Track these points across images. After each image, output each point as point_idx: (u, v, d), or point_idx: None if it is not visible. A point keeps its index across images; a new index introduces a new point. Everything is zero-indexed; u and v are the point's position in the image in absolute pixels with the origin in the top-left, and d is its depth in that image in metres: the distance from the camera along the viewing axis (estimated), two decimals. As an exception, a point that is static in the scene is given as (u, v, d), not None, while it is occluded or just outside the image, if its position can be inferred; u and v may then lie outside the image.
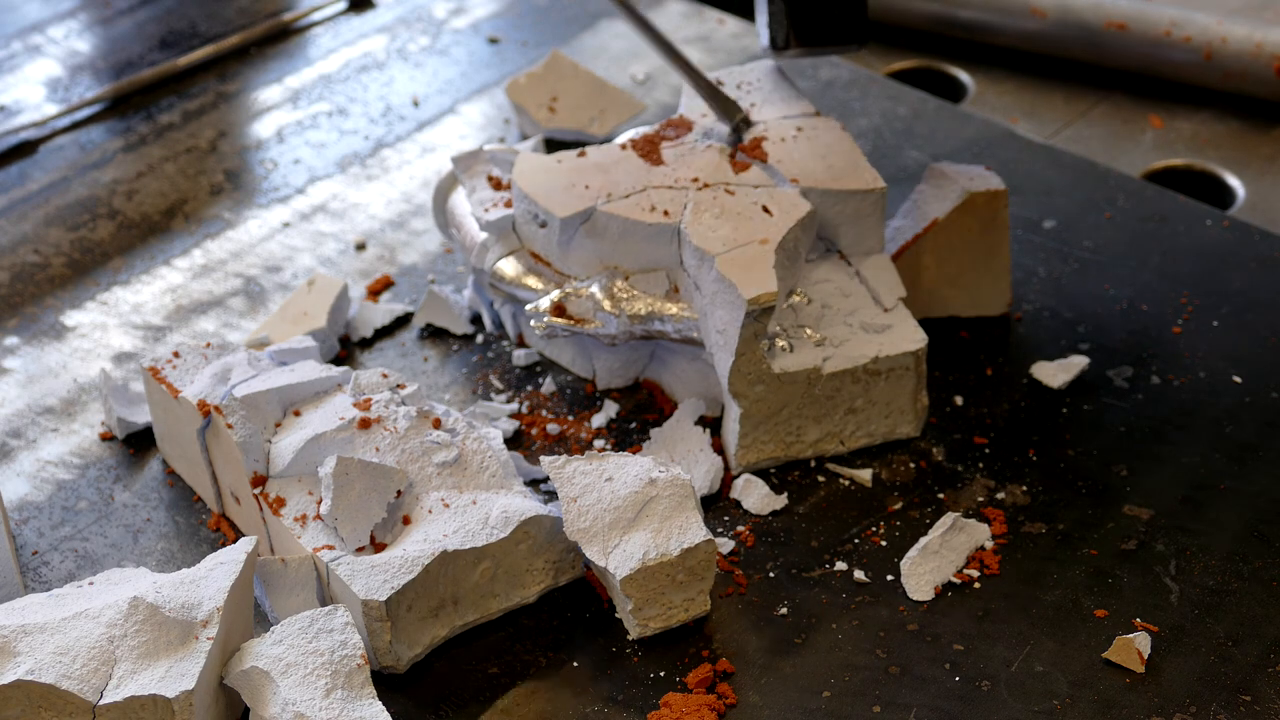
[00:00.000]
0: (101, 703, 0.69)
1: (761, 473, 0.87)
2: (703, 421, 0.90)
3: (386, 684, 0.76)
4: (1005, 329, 0.96)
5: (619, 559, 0.76)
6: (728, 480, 0.87)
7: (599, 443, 0.89)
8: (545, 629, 0.79)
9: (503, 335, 0.96)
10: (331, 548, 0.77)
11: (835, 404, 0.86)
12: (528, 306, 0.88)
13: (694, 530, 0.77)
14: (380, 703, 0.71)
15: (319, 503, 0.79)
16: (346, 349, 0.96)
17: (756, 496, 0.85)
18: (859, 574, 0.82)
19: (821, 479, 0.87)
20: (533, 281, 0.89)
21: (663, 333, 0.87)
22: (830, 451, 0.88)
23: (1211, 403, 0.91)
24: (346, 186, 1.10)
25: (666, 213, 0.86)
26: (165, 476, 0.88)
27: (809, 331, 0.86)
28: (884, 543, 0.84)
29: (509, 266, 0.90)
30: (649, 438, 0.89)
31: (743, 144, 0.90)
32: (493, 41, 1.24)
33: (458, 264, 1.02)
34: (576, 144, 1.06)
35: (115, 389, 0.90)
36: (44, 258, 1.03)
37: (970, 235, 0.94)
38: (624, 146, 0.91)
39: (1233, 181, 1.11)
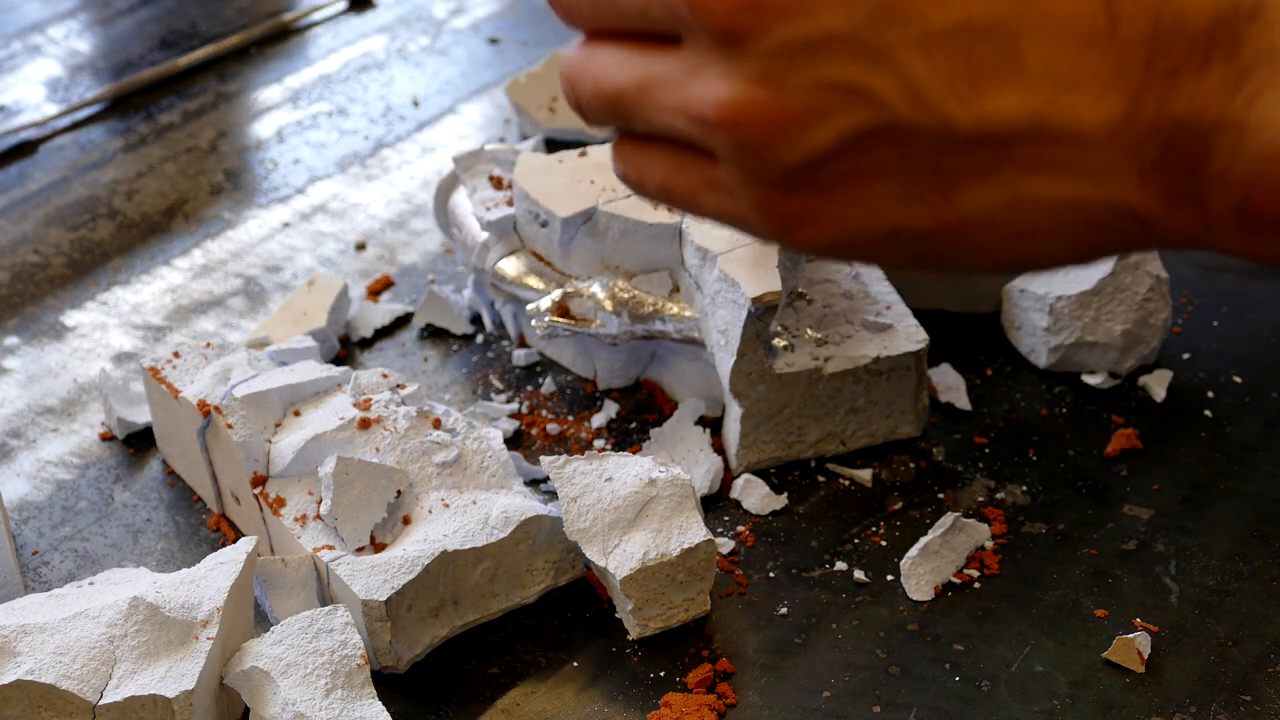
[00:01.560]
0: (101, 703, 0.69)
1: (761, 473, 0.87)
2: (703, 421, 0.90)
3: (386, 684, 0.76)
4: (1004, 328, 0.96)
5: (619, 559, 0.76)
6: (728, 480, 0.87)
7: (599, 443, 0.89)
8: (545, 629, 0.80)
9: (503, 335, 0.96)
10: (331, 548, 0.77)
11: (836, 404, 0.86)
12: (529, 306, 0.88)
13: (694, 530, 0.77)
14: (380, 703, 0.71)
15: (319, 503, 0.79)
16: (346, 349, 0.96)
17: (756, 496, 0.85)
18: (859, 574, 0.82)
19: (821, 479, 0.87)
20: (534, 281, 0.89)
21: (664, 333, 0.87)
22: (831, 451, 0.88)
23: (1211, 403, 0.91)
24: (346, 186, 1.10)
25: (670, 209, 0.86)
26: (165, 476, 0.88)
27: (810, 331, 0.86)
28: (884, 543, 0.84)
29: (510, 266, 0.90)
30: (649, 438, 0.89)
31: None
32: (493, 41, 1.25)
33: (458, 264, 1.02)
34: (577, 144, 1.06)
35: (115, 389, 0.90)
36: (44, 258, 1.03)
37: None
38: (624, 146, 0.91)
39: None
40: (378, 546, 0.77)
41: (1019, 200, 0.55)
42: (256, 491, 0.80)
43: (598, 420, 0.90)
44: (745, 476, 0.86)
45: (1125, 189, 0.55)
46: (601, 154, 0.90)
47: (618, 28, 0.57)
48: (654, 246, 0.86)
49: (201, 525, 0.86)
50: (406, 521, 0.78)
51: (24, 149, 1.13)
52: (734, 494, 0.86)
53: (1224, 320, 0.97)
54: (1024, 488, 0.86)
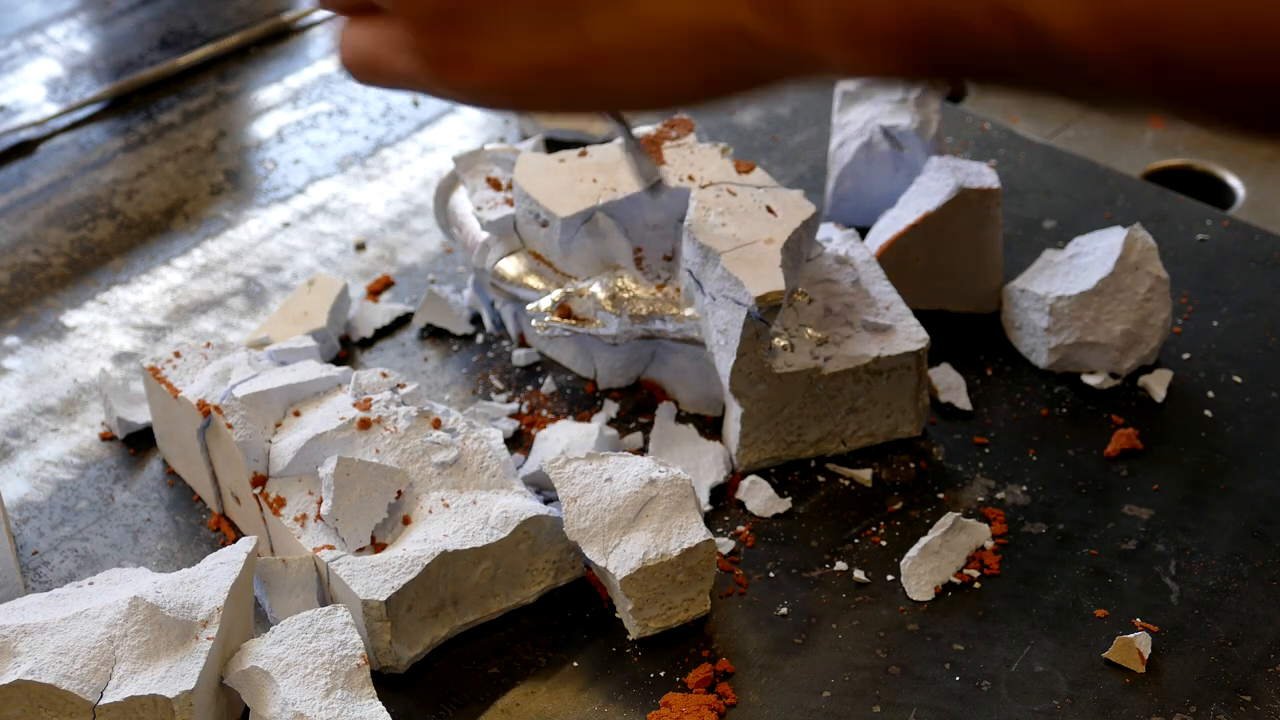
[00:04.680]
0: (101, 703, 0.69)
1: (762, 473, 0.87)
2: (700, 420, 0.90)
3: (386, 684, 0.76)
4: (1004, 328, 0.96)
5: (619, 559, 0.76)
6: (734, 481, 0.87)
7: (599, 443, 0.89)
8: (545, 629, 0.79)
9: (503, 335, 0.96)
10: (331, 548, 0.77)
11: (837, 403, 0.86)
12: (529, 306, 0.88)
13: (694, 530, 0.77)
14: (380, 703, 0.71)
15: (319, 503, 0.79)
16: (346, 349, 0.96)
17: (761, 499, 0.85)
18: (859, 574, 0.82)
19: (822, 479, 0.87)
20: (534, 281, 0.89)
21: (663, 332, 0.87)
22: (831, 451, 0.88)
23: (1211, 403, 0.91)
24: (346, 186, 1.10)
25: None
26: (165, 476, 0.88)
27: (810, 331, 0.86)
28: (884, 543, 0.84)
29: (510, 266, 0.90)
30: (649, 439, 0.89)
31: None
32: (493, 41, 1.24)
33: (458, 264, 1.02)
34: (577, 144, 1.06)
35: (115, 389, 0.90)
36: (44, 258, 1.03)
37: (961, 231, 0.94)
38: (625, 147, 0.91)
39: (1233, 181, 1.11)
40: (378, 546, 0.77)
41: (640, 24, 0.60)
42: (256, 491, 0.80)
43: (598, 420, 0.90)
44: (751, 478, 0.86)
45: (733, 7, 0.59)
46: (602, 154, 0.90)
47: None
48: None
49: (201, 525, 0.86)
50: (406, 521, 0.78)
51: (24, 149, 1.13)
52: (739, 495, 0.86)
53: (1224, 320, 0.97)
54: (1024, 488, 0.86)
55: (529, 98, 0.65)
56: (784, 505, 0.85)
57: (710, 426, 0.90)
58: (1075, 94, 0.59)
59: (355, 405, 0.81)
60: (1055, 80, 0.57)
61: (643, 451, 0.89)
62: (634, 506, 0.77)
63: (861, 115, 1.01)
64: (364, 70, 0.67)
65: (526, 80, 0.63)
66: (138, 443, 0.90)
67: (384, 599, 0.74)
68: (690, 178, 0.88)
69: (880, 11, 0.57)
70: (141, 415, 0.90)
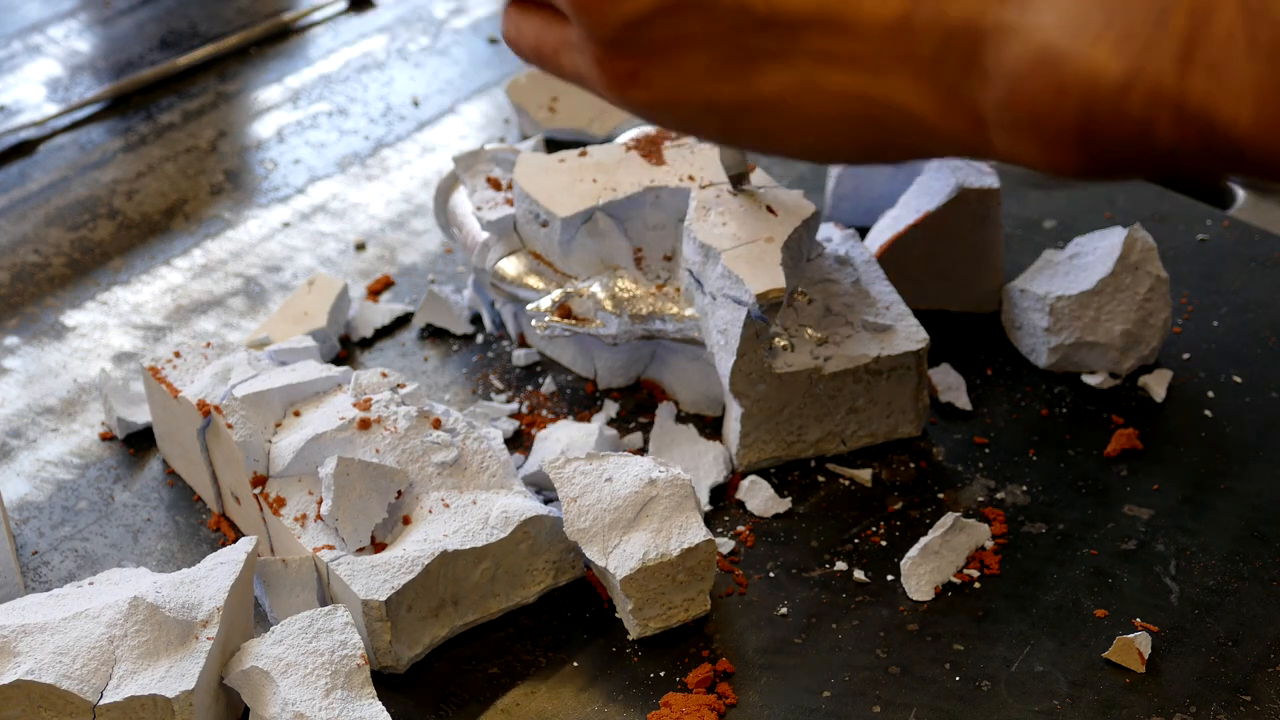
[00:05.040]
0: (101, 703, 0.69)
1: (762, 473, 0.87)
2: (700, 420, 0.90)
3: (386, 684, 0.76)
4: (1004, 328, 0.96)
5: (619, 559, 0.76)
6: (734, 481, 0.87)
7: (599, 443, 0.89)
8: (545, 629, 0.80)
9: (503, 335, 0.96)
10: (331, 548, 0.77)
11: (837, 403, 0.86)
12: (529, 306, 0.88)
13: (694, 530, 0.77)
14: (380, 703, 0.71)
15: (319, 503, 0.79)
16: (346, 349, 0.96)
17: (761, 499, 0.85)
18: (859, 574, 0.82)
19: (821, 479, 0.87)
20: (534, 281, 0.89)
21: (663, 332, 0.87)
22: (831, 451, 0.88)
23: (1211, 403, 0.91)
24: (346, 186, 1.10)
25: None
26: (165, 476, 0.88)
27: (810, 331, 0.86)
28: (884, 543, 0.84)
29: (510, 266, 0.90)
30: (649, 439, 0.89)
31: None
32: (493, 42, 1.25)
33: (458, 264, 1.02)
34: (577, 144, 1.06)
35: (115, 389, 0.90)
36: (44, 258, 1.03)
37: (961, 231, 0.94)
38: (626, 147, 0.91)
39: (1233, 181, 1.11)
40: (378, 546, 0.77)
41: (808, 86, 0.62)
42: (256, 491, 0.80)
43: (598, 420, 0.90)
44: (751, 478, 0.86)
45: (901, 87, 0.61)
46: (602, 154, 0.90)
47: None
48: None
49: (201, 525, 0.86)
50: (406, 521, 0.78)
51: (24, 149, 1.13)
52: (739, 495, 0.86)
53: (1224, 320, 0.97)
54: (1024, 488, 0.86)
55: (688, 123, 0.68)
56: (784, 505, 0.85)
57: (710, 426, 0.90)
58: (1230, 177, 0.61)
59: (355, 405, 0.81)
60: (1215, 167, 0.58)
61: (643, 451, 0.89)
62: (634, 506, 0.77)
63: None
64: (530, 55, 0.71)
65: (691, 110, 0.66)
66: (138, 443, 0.90)
67: (384, 599, 0.74)
68: (690, 178, 0.88)
69: (1058, 109, 0.57)
70: (141, 415, 0.90)
